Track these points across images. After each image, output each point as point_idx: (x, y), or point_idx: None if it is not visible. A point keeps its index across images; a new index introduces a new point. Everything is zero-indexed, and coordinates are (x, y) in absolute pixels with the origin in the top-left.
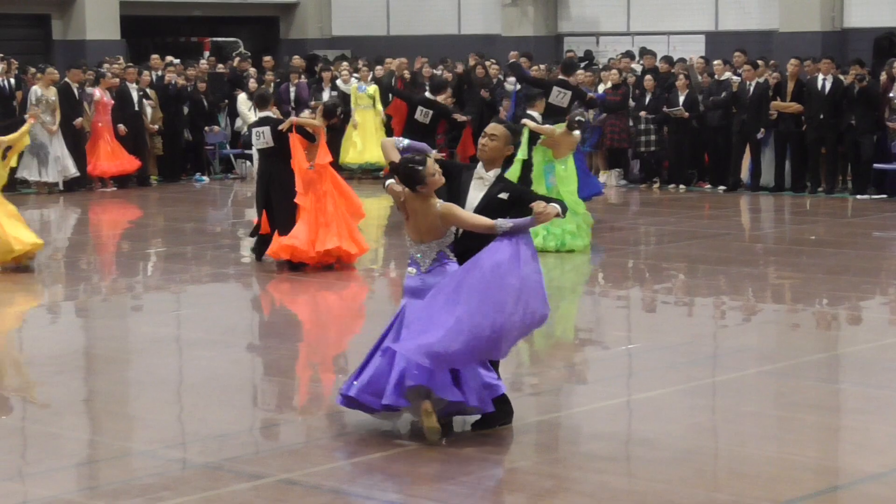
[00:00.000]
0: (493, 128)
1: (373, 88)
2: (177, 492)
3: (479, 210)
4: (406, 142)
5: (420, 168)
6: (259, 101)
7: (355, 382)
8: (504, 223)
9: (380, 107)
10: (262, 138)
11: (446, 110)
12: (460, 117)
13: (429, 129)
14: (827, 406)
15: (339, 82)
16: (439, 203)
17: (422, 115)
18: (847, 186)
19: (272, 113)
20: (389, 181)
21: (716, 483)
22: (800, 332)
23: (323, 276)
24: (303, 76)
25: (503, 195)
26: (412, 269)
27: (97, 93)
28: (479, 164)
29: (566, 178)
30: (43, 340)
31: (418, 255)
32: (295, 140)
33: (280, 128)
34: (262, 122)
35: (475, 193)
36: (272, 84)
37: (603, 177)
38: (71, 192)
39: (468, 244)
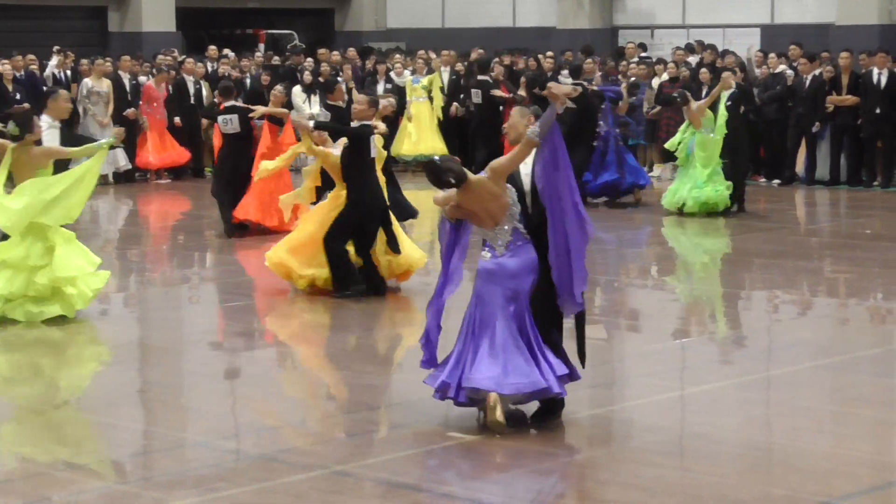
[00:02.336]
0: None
1: (427, 80)
2: (231, 483)
3: (532, 181)
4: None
5: (454, 167)
6: (223, 92)
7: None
8: (533, 129)
9: (437, 99)
10: (229, 125)
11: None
12: (501, 94)
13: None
14: (882, 401)
15: (392, 74)
16: (483, 174)
17: (475, 96)
18: None
19: (238, 103)
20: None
21: (770, 477)
22: (855, 326)
23: None
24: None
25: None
26: (486, 252)
27: (147, 84)
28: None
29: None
30: (98, 331)
31: (492, 239)
32: (265, 128)
33: (249, 115)
34: (229, 110)
35: (524, 169)
36: (328, 75)
37: (657, 170)
38: (124, 183)
39: (538, 216)
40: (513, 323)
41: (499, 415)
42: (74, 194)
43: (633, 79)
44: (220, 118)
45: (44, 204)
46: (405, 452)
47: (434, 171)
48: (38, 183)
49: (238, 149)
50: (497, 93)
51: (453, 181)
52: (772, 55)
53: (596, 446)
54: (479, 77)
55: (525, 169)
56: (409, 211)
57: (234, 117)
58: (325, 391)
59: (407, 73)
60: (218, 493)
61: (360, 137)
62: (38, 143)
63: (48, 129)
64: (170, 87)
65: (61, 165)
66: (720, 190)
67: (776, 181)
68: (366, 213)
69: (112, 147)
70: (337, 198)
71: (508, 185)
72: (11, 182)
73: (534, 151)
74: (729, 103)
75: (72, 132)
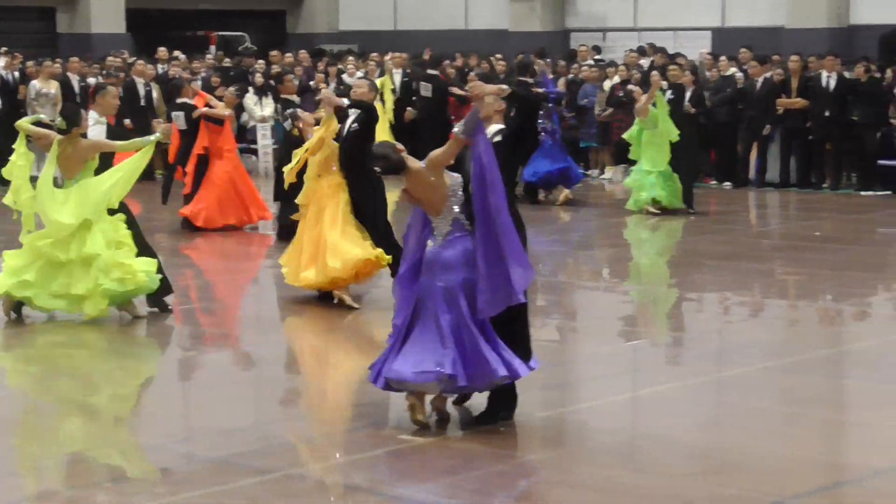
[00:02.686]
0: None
1: (379, 82)
2: (183, 486)
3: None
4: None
5: (393, 156)
6: (172, 89)
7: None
8: (459, 127)
9: (388, 101)
10: (179, 121)
11: (445, 84)
12: (458, 91)
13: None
14: (833, 402)
15: (345, 76)
16: (422, 163)
17: (424, 90)
18: (852, 182)
19: (189, 100)
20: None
21: (721, 478)
22: (805, 327)
23: None
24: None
25: (497, 138)
26: (430, 242)
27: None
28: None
29: None
30: (44, 335)
31: (435, 228)
32: (202, 127)
33: (193, 114)
34: (179, 106)
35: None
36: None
37: (609, 172)
38: None
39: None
40: (443, 315)
41: (418, 415)
42: (116, 190)
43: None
44: (172, 113)
45: (93, 207)
46: (358, 455)
47: (388, 162)
48: (85, 187)
49: (185, 145)
50: (456, 90)
51: (379, 169)
52: (722, 58)
53: (548, 448)
54: (430, 71)
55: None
56: None
57: (181, 114)
58: (278, 394)
59: (359, 74)
60: (171, 496)
61: (374, 119)
62: (84, 136)
63: (94, 125)
64: (120, 90)
65: (105, 160)
66: (673, 188)
67: (727, 183)
68: (380, 197)
69: (160, 143)
70: (334, 188)
71: (455, 175)
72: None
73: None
74: (672, 97)
75: (119, 127)
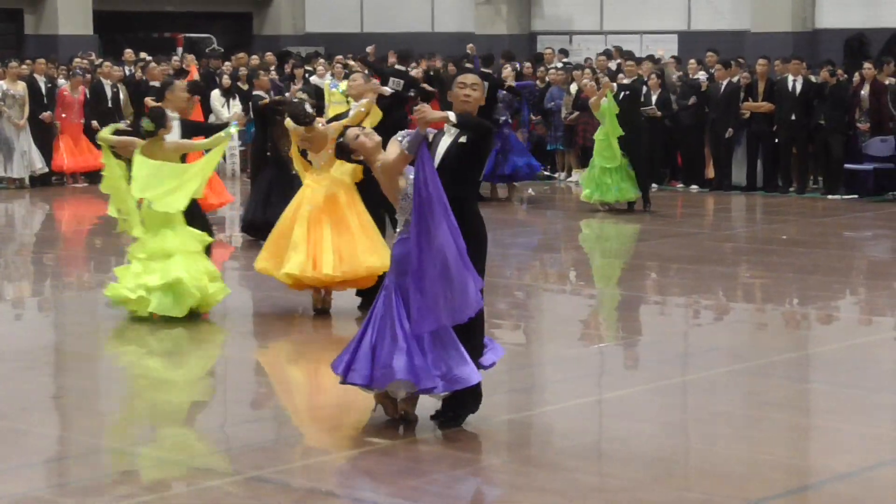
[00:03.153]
0: (472, 78)
1: (345, 84)
2: (146, 489)
3: (442, 158)
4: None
5: (342, 141)
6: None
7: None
8: (403, 140)
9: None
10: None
11: (415, 79)
12: (428, 87)
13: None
14: (797, 406)
15: (314, 78)
16: (379, 161)
17: (393, 84)
18: (818, 186)
19: None
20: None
21: (686, 482)
22: (770, 331)
23: None
24: (272, 71)
25: (462, 139)
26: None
27: (61, 88)
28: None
29: None
30: (11, 336)
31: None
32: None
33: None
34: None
35: (441, 147)
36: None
37: (576, 175)
38: (39, 186)
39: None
40: (388, 313)
41: (390, 412)
42: (190, 183)
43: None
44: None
45: (164, 186)
46: (321, 458)
47: (341, 148)
48: (160, 168)
49: None
50: (426, 86)
51: (356, 160)
52: (691, 61)
53: (513, 451)
54: (398, 66)
55: (443, 147)
56: None
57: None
58: (242, 396)
59: (328, 76)
60: (133, 499)
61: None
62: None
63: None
64: (87, 91)
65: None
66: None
67: (693, 186)
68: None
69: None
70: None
71: (412, 177)
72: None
73: (451, 139)
74: (625, 93)
75: (190, 121)
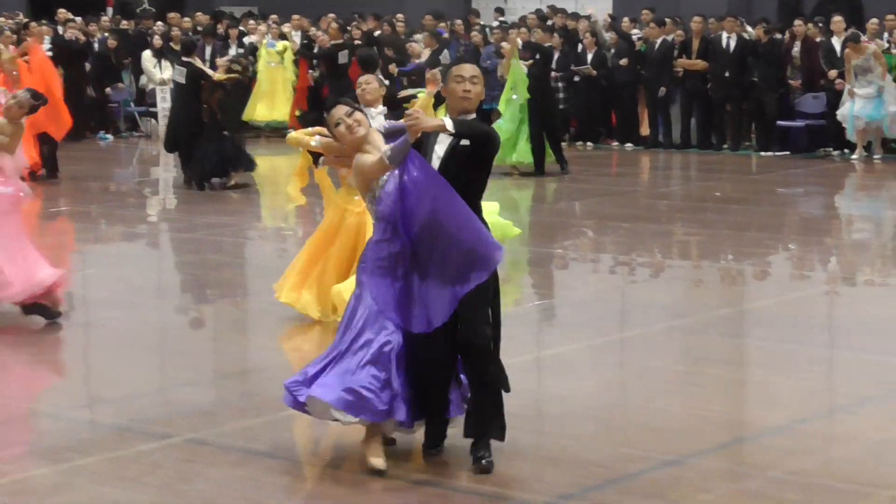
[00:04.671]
0: (471, 69)
1: (282, 45)
2: (84, 453)
3: (443, 162)
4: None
5: (324, 115)
6: (189, 46)
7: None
8: (386, 149)
9: (289, 64)
10: (180, 76)
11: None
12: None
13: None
14: (732, 361)
15: (252, 38)
16: (356, 158)
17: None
18: (751, 144)
19: (194, 61)
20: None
21: (625, 438)
22: (706, 287)
23: (230, 231)
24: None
25: (466, 142)
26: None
27: None
28: (446, 116)
29: None
30: None
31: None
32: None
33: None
34: (187, 64)
35: (440, 147)
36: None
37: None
38: None
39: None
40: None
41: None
42: None
43: None
44: (176, 67)
45: None
46: (259, 420)
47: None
48: None
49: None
50: (405, 93)
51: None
52: (625, 20)
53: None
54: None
55: (440, 148)
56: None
57: (185, 70)
58: (180, 360)
59: (268, 36)
60: (70, 462)
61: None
62: None
63: None
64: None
65: None
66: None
67: (628, 145)
68: None
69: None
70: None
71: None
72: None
73: (450, 140)
74: (538, 58)
75: None
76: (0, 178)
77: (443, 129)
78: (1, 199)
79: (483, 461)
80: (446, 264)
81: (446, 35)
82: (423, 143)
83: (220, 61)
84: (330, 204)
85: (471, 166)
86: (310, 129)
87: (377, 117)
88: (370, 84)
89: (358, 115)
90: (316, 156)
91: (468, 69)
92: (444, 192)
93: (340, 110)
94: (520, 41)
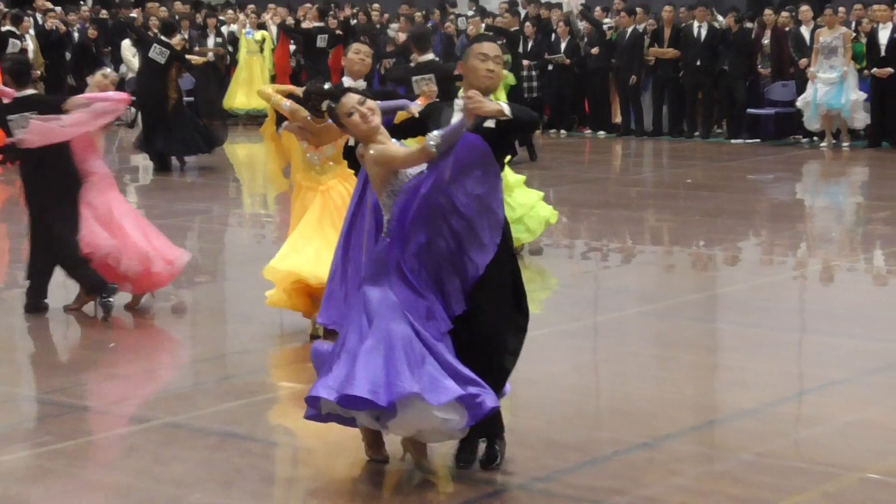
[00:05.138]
0: (493, 48)
1: (260, 34)
2: (62, 436)
3: None
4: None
5: (334, 106)
6: (170, 27)
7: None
8: (433, 137)
9: (268, 53)
10: (159, 56)
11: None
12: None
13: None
14: (704, 345)
15: (232, 27)
16: (373, 148)
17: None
18: (722, 131)
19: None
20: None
21: (596, 422)
22: (677, 273)
23: (207, 217)
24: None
25: (490, 123)
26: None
27: None
28: (457, 98)
29: None
30: None
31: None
32: None
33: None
34: (163, 43)
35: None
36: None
37: (488, 122)
38: None
39: None
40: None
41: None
42: None
43: None
44: (157, 47)
45: None
46: (235, 403)
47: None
48: None
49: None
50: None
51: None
52: (597, 9)
53: None
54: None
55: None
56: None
57: (167, 52)
58: (158, 344)
59: (246, 23)
60: (48, 446)
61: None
62: None
63: None
64: None
65: None
66: None
67: (601, 132)
68: None
69: None
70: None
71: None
72: None
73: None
74: (501, 41)
75: None
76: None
77: (501, 114)
78: (103, 179)
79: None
80: (461, 249)
81: (430, 25)
82: (436, 120)
83: (198, 50)
84: (298, 169)
85: (496, 146)
86: (283, 87)
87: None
88: (367, 56)
89: (370, 102)
90: (280, 119)
91: (490, 48)
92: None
93: (352, 99)
94: (483, 26)
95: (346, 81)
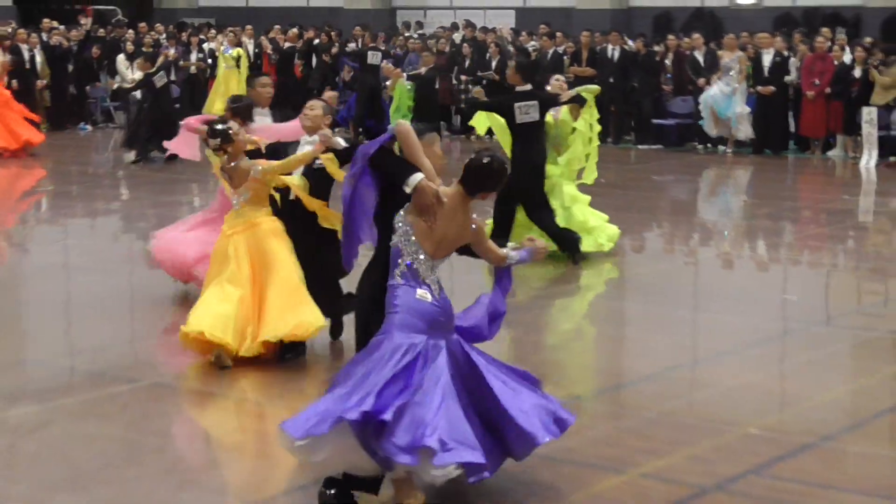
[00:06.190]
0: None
1: (236, 52)
2: (65, 394)
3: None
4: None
5: (499, 167)
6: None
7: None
8: (514, 256)
9: (244, 69)
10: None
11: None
12: None
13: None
14: (613, 320)
15: (211, 45)
16: (476, 218)
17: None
18: (631, 138)
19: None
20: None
21: None
22: (591, 259)
23: (188, 208)
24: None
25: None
26: (424, 291)
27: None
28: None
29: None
30: None
31: (428, 274)
32: None
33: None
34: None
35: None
36: (149, 46)
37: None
38: None
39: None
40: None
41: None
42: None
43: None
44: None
45: None
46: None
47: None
48: None
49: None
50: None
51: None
52: (523, 33)
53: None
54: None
55: None
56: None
57: (163, 74)
58: (147, 317)
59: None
60: (53, 402)
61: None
62: None
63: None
64: (8, 55)
65: None
66: None
67: None
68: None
69: None
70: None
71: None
72: None
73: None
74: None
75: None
76: None
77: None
78: None
79: None
80: None
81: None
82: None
83: (183, 63)
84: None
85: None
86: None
87: (305, 146)
88: (314, 111)
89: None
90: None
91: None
92: None
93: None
94: (404, 76)
95: (304, 139)
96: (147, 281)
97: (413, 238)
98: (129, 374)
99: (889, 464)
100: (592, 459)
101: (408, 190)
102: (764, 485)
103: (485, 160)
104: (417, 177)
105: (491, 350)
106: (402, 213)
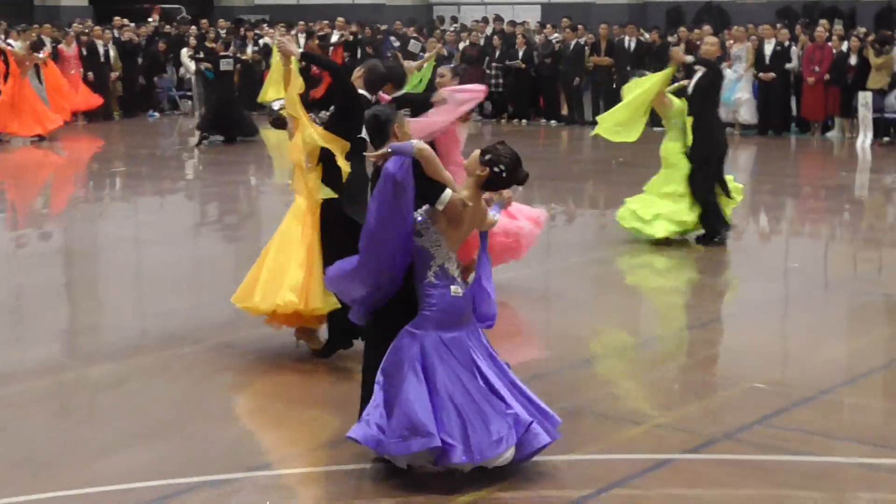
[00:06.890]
0: None
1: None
2: (137, 354)
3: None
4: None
5: (514, 166)
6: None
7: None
8: (496, 215)
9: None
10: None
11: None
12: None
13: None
14: (630, 285)
15: (266, 39)
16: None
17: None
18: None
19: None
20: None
21: (547, 343)
22: (609, 230)
23: (246, 186)
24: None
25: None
26: (456, 287)
27: (59, 46)
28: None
29: None
30: (28, 238)
31: (455, 269)
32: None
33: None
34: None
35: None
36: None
37: None
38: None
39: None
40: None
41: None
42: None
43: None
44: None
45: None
46: (270, 329)
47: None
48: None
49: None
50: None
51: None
52: (548, 26)
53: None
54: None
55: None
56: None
57: (231, 61)
58: (211, 284)
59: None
60: (127, 361)
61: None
62: None
63: None
64: (81, 49)
65: None
66: None
67: (553, 121)
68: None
69: None
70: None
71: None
72: None
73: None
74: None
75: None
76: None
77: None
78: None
79: None
80: None
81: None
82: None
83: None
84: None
85: None
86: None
87: None
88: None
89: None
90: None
91: None
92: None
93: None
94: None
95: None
96: (209, 253)
97: (443, 245)
98: (194, 335)
99: (881, 415)
100: (611, 412)
101: (440, 208)
102: (768, 434)
103: (496, 168)
104: (448, 194)
105: (517, 317)
106: (422, 215)
